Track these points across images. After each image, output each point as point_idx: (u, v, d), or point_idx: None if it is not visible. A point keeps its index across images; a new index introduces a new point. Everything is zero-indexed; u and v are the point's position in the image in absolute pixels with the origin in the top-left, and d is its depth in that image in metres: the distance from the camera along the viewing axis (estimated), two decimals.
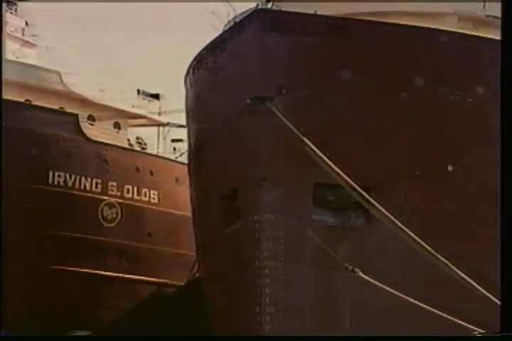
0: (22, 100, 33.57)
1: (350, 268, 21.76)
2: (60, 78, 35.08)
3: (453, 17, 24.09)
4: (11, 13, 37.90)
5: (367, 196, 22.10)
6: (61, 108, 34.21)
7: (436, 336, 21.46)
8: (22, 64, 35.47)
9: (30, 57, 36.98)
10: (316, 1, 23.63)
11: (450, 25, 23.65)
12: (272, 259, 22.66)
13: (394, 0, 24.48)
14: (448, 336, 21.34)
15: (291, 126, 22.11)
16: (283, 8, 23.04)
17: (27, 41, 37.64)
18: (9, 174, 31.04)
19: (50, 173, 32.25)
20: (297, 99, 22.84)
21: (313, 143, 21.93)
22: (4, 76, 33.63)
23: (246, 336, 24.17)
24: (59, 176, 32.42)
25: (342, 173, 21.92)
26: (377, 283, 21.48)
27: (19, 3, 38.74)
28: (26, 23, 38.18)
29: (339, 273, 22.23)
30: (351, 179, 22.01)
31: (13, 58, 35.77)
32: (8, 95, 32.93)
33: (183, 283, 34.73)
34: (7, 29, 36.54)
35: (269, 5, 23.04)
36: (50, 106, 33.79)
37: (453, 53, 23.33)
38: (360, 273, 21.70)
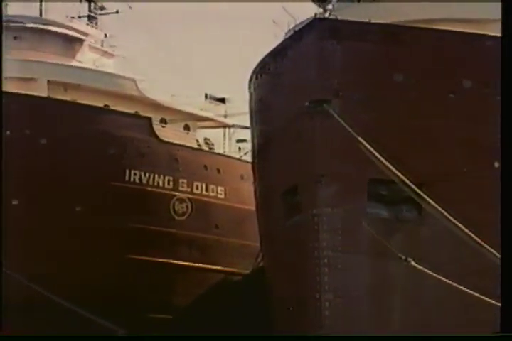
0: (101, 105, 33.72)
1: (403, 257, 21.46)
2: (136, 85, 35.20)
3: (497, 23, 23.63)
4: (92, 26, 38.15)
5: (418, 191, 21.83)
6: (136, 112, 34.35)
7: (436, 336, 21.18)
8: (101, 72, 35.70)
9: (108, 66, 37.18)
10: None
11: (495, 31, 23.20)
12: (330, 249, 22.49)
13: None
14: (448, 336, 20.89)
15: (347, 126, 21.88)
16: (339, 17, 22.92)
17: (106, 52, 37.84)
18: (90, 172, 31.22)
19: (127, 171, 32.34)
20: (352, 101, 22.59)
21: (367, 142, 21.67)
22: (85, 84, 34.00)
23: (247, 336, 24.21)
24: (135, 174, 32.51)
25: (395, 170, 21.67)
26: (429, 272, 21.13)
27: (99, 17, 39.03)
28: (105, 35, 38.36)
29: (392, 262, 21.91)
30: (403, 175, 21.75)
31: (93, 67, 36.01)
32: (89, 100, 33.22)
33: (248, 272, 34.68)
34: (88, 41, 36.77)
35: (327, 14, 22.97)
36: (126, 110, 33.91)
37: (498, 56, 22.92)
38: (413, 262, 21.36)
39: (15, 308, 28.81)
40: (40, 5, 36.12)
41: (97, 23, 38.80)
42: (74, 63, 35.67)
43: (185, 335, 26.89)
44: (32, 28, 35.17)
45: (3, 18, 34.84)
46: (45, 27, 35.40)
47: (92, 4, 39.26)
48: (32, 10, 35.79)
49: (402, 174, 21.69)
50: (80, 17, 38.58)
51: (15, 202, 30.25)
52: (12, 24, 34.78)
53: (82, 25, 37.62)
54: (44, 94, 32.97)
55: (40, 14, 36.23)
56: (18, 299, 28.74)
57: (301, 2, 25.20)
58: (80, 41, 36.48)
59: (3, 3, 27.55)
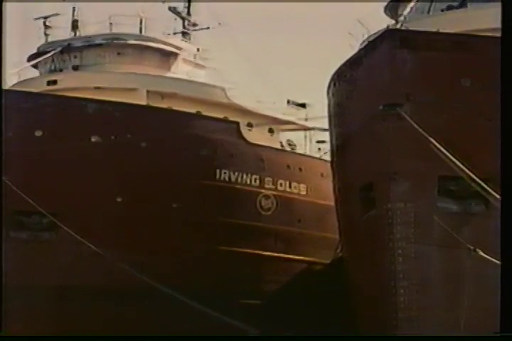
0: (194, 111, 33.85)
1: (472, 248, 21.14)
2: (225, 93, 35.24)
3: None
4: (186, 41, 38.42)
5: (485, 186, 21.43)
6: (225, 117, 34.37)
7: (436, 336, 20.66)
8: (194, 82, 35.84)
9: (200, 76, 37.33)
10: None
11: None
12: (403, 241, 22.29)
13: None
14: (448, 336, 20.27)
15: (418, 128, 21.67)
16: (410, 28, 22.69)
17: (198, 64, 38.02)
18: (184, 172, 31.37)
19: (217, 171, 32.36)
20: (423, 105, 22.35)
21: (437, 141, 21.42)
22: (180, 92, 34.21)
23: (247, 336, 23.87)
24: (224, 173, 32.53)
25: (463, 167, 21.35)
26: (496, 261, 20.64)
27: (192, 33, 39.30)
28: (197, 49, 38.56)
29: (462, 253, 21.53)
30: (471, 171, 21.41)
31: (187, 78, 36.22)
32: (183, 108, 33.39)
33: (328, 261, 34.40)
34: (182, 54, 36.96)
35: (398, 25, 22.78)
36: (217, 116, 33.98)
37: None
38: (481, 253, 21.02)
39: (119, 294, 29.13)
40: (140, 23, 36.45)
41: (190, 38, 39.05)
42: (170, 74, 35.91)
43: (185, 335, 26.13)
44: (133, 44, 35.53)
45: (108, 36, 35.38)
46: (145, 43, 35.72)
47: (186, 21, 39.58)
48: (130, 28, 36.14)
49: (469, 170, 21.40)
50: (175, 33, 38.90)
51: (119, 199, 30.54)
52: (115, 41, 35.23)
53: (177, 40, 37.86)
54: (143, 102, 33.26)
55: (140, 31, 36.55)
56: (122, 285, 28.96)
57: (375, 15, 25.09)
58: (175, 55, 36.72)
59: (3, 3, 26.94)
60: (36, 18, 36.12)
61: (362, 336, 22.36)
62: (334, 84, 25.77)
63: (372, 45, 23.32)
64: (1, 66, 25.92)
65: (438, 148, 21.43)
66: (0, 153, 28.72)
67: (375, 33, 24.41)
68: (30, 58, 35.62)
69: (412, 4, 24.02)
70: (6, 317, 28.56)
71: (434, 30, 22.78)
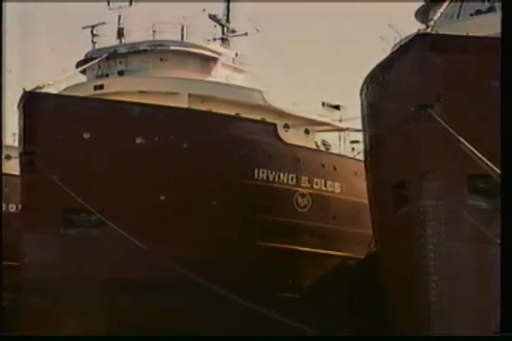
0: (233, 114, 33.81)
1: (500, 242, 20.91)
2: (262, 95, 35.17)
3: None
4: (225, 47, 38.44)
5: None
6: (263, 119, 34.29)
7: (436, 336, 20.28)
8: (233, 86, 35.81)
9: (238, 80, 37.28)
10: None
11: None
12: (435, 237, 22.16)
13: None
14: (448, 336, 19.84)
15: (448, 127, 21.53)
16: (440, 32, 22.51)
17: (236, 68, 37.98)
18: (224, 171, 31.35)
19: (256, 170, 32.30)
20: (453, 105, 22.20)
21: (467, 141, 21.20)
22: (219, 96, 34.22)
23: (246, 336, 23.30)
24: (262, 172, 32.46)
25: (492, 165, 21.07)
26: None
27: (230, 39, 39.33)
28: (236, 54, 38.55)
29: (491, 248, 21.29)
30: (500, 169, 21.15)
31: (226, 81, 36.21)
32: (222, 110, 33.40)
33: (362, 256, 34.23)
34: (221, 59, 36.99)
35: (429, 30, 22.61)
36: (254, 117, 33.94)
37: None
38: None
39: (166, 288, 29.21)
40: (182, 31, 36.51)
41: (229, 44, 39.09)
42: (209, 78, 35.91)
43: (184, 335, 25.77)
44: (175, 50, 35.59)
45: (151, 43, 35.51)
46: (186, 49, 35.76)
47: (225, 28, 39.63)
48: (172, 35, 36.28)
49: (498, 169, 21.14)
50: (214, 39, 38.95)
51: (162, 198, 30.61)
52: (158, 47, 35.33)
53: (217, 46, 37.89)
54: (185, 105, 33.32)
55: (182, 38, 36.61)
56: (165, 279, 29.02)
57: (406, 20, 24.96)
58: (215, 60, 36.71)
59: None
60: (84, 27, 36.37)
61: (362, 336, 22.12)
62: (367, 87, 25.65)
63: (404, 49, 23.27)
64: (1, 66, 25.33)
65: (468, 148, 21.21)
66: (0, 152, 28.99)
67: (406, 37, 24.35)
68: (79, 64, 35.84)
69: (442, 9, 23.83)
70: (59, 309, 28.96)
71: (464, 34, 22.57)
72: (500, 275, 17.63)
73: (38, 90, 30.31)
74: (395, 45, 25.13)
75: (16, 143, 32.98)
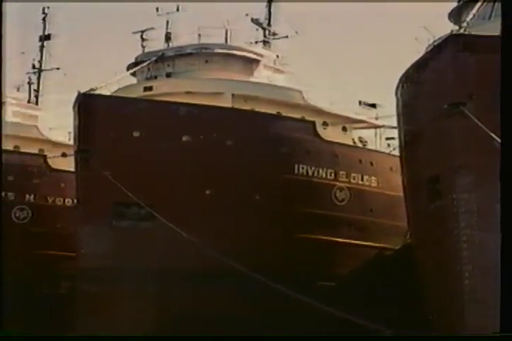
0: (274, 112, 33.75)
1: None
2: (302, 95, 35.11)
3: None
4: (266, 49, 38.43)
5: None
6: (302, 117, 34.20)
7: (437, 336, 19.80)
8: (274, 86, 35.78)
9: (279, 80, 37.25)
10: None
11: None
12: (468, 228, 21.91)
13: None
14: (448, 336, 19.31)
15: (481, 124, 21.26)
16: (473, 33, 22.22)
17: (277, 69, 37.95)
18: (266, 167, 31.30)
19: (296, 166, 32.21)
20: (485, 103, 21.78)
21: (498, 137, 20.87)
22: (261, 95, 34.16)
23: (246, 336, 22.80)
24: (302, 168, 32.37)
25: None
26: None
27: (272, 42, 39.30)
28: (277, 56, 38.51)
29: None
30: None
31: (268, 82, 36.17)
32: (264, 109, 33.36)
33: (398, 247, 33.96)
34: (263, 61, 36.92)
35: (462, 30, 22.36)
36: (295, 116, 33.84)
37: None
38: None
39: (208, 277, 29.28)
40: (226, 34, 36.57)
41: (270, 46, 39.12)
42: (252, 79, 35.91)
43: (185, 335, 25.33)
44: (220, 52, 35.66)
45: (197, 46, 35.60)
46: (230, 51, 35.80)
47: (267, 31, 39.62)
48: (217, 38, 36.32)
49: None
50: (256, 42, 38.99)
51: (207, 192, 30.68)
52: (204, 50, 35.42)
53: (259, 48, 37.92)
54: (229, 105, 33.34)
55: (226, 41, 36.65)
56: (211, 269, 29.08)
57: (440, 21, 24.72)
58: (257, 61, 36.71)
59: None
60: (134, 32, 36.62)
61: (363, 336, 21.80)
62: (402, 86, 25.46)
63: (438, 49, 23.07)
64: (1, 66, 25.02)
65: (500, 143, 20.86)
66: (0, 153, 29.18)
67: (439, 38, 24.06)
68: (129, 67, 36.07)
69: (474, 10, 23.53)
70: (112, 296, 29.17)
71: (496, 34, 22.19)
72: (501, 275, 17.19)
73: (92, 92, 30.56)
74: (429, 45, 24.83)
75: (71, 142, 33.33)
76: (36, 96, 43.69)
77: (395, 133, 32.00)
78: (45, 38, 43.63)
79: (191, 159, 30.52)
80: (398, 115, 26.97)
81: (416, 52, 25.06)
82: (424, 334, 20.83)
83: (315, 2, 47.32)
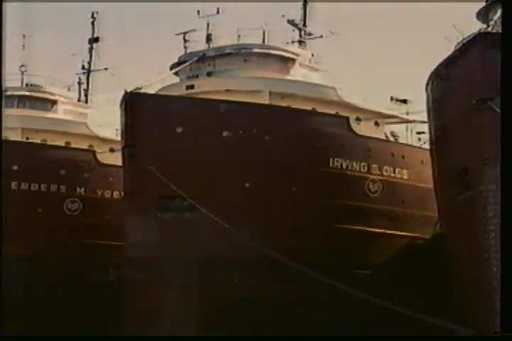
0: (309, 109, 33.75)
1: None
2: (336, 92, 35.01)
3: None
4: (302, 48, 38.36)
5: None
6: (336, 113, 34.13)
7: (437, 336, 19.30)
8: (309, 83, 35.74)
9: (314, 78, 37.19)
10: None
11: None
12: (495, 218, 21.59)
13: None
14: (448, 336, 18.76)
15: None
16: (500, 31, 21.99)
17: (312, 67, 37.89)
18: (301, 161, 31.33)
19: (331, 159, 32.17)
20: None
21: None
22: (297, 93, 34.16)
23: (246, 336, 22.25)
24: (337, 161, 32.31)
25: None
26: None
27: (307, 41, 39.21)
28: (312, 55, 38.44)
29: None
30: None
31: (303, 80, 36.12)
32: (300, 106, 33.36)
33: (428, 236, 33.79)
34: (299, 60, 36.88)
35: (489, 29, 22.14)
36: (329, 112, 33.79)
37: None
38: None
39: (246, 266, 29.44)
40: (263, 35, 36.58)
41: (305, 46, 39.04)
42: (288, 77, 35.90)
43: (185, 335, 24.89)
44: (258, 52, 35.70)
45: (236, 46, 35.69)
46: (267, 51, 35.82)
47: (302, 32, 39.57)
48: (255, 39, 36.36)
49: None
50: (292, 42, 38.93)
51: (247, 185, 30.78)
52: (242, 50, 35.49)
53: (295, 48, 37.88)
54: (266, 102, 33.41)
55: (263, 41, 36.68)
56: (251, 258, 29.20)
57: (468, 20, 24.53)
58: (293, 60, 36.68)
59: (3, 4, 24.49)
60: (177, 34, 36.83)
61: (362, 336, 21.45)
62: (432, 82, 25.34)
63: (466, 47, 22.92)
64: (1, 66, 24.55)
65: None
66: (0, 150, 29.37)
67: (468, 36, 23.85)
68: (172, 67, 36.29)
69: (501, 10, 23.24)
70: (157, 284, 29.45)
71: None
72: (501, 275, 16.83)
73: (138, 91, 30.84)
74: (458, 43, 24.64)
75: (119, 138, 33.66)
76: (86, 95, 44.21)
77: (425, 127, 31.86)
78: (94, 40, 44.12)
79: (231, 153, 30.65)
80: (428, 110, 26.80)
81: (445, 50, 24.95)
82: (425, 335, 20.26)
83: (348, 2, 47.04)
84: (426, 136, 32.15)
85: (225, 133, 30.93)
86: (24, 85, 41.15)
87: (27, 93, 40.52)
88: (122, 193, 33.06)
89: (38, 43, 42.77)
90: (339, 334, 24.40)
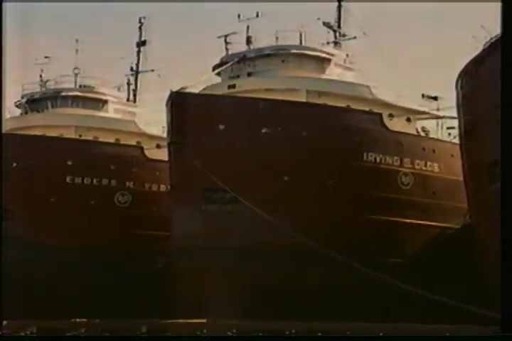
0: (344, 106, 33.65)
1: None
2: (369, 90, 34.81)
3: None
4: (337, 49, 38.18)
5: None
6: (370, 109, 33.98)
7: (437, 336, 18.61)
8: (344, 82, 35.55)
9: (349, 77, 36.98)
10: None
11: None
12: None
13: None
14: (448, 336, 18.13)
15: None
16: None
17: (347, 67, 37.70)
18: (338, 155, 31.22)
19: (365, 154, 32.07)
20: None
21: None
22: (333, 91, 34.02)
23: (246, 336, 21.71)
24: (371, 155, 32.20)
25: None
26: None
27: (342, 42, 39.02)
28: (347, 55, 38.25)
29: None
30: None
31: (338, 78, 35.97)
32: (335, 103, 33.30)
33: (458, 226, 33.48)
34: (334, 60, 36.70)
35: None
36: (363, 108, 33.65)
37: None
38: None
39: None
40: (300, 36, 36.47)
41: (340, 46, 38.85)
42: (324, 76, 35.80)
43: (185, 335, 24.59)
44: (295, 53, 35.66)
45: (274, 47, 35.66)
46: (304, 52, 35.76)
47: (337, 33, 39.40)
48: (292, 40, 36.26)
49: None
50: (328, 43, 38.76)
51: (285, 178, 30.83)
52: (281, 51, 35.46)
53: (330, 48, 37.72)
54: (304, 99, 33.39)
55: (300, 43, 36.60)
56: (290, 247, 29.16)
57: (496, 20, 24.11)
58: (328, 60, 36.55)
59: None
60: (219, 36, 36.92)
61: (362, 336, 21.05)
62: (462, 80, 25.14)
63: (494, 46, 22.65)
64: (1, 66, 23.87)
65: None
66: (0, 144, 29.42)
67: (495, 36, 23.50)
68: (214, 68, 36.41)
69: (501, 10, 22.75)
70: (202, 271, 29.62)
71: None
72: (501, 275, 16.31)
73: (183, 90, 31.05)
74: (486, 43, 24.31)
75: (165, 135, 33.92)
76: (134, 95, 44.59)
77: (455, 123, 31.60)
78: (142, 43, 44.50)
79: (270, 149, 30.71)
80: (458, 106, 26.55)
81: (474, 49, 24.65)
82: (424, 335, 19.67)
83: (381, 2, 46.67)
84: (456, 131, 31.92)
85: (263, 130, 30.99)
86: (77, 86, 41.62)
87: (80, 93, 41.01)
88: (169, 186, 33.38)
89: (91, 47, 43.23)
90: (339, 335, 23.66)
